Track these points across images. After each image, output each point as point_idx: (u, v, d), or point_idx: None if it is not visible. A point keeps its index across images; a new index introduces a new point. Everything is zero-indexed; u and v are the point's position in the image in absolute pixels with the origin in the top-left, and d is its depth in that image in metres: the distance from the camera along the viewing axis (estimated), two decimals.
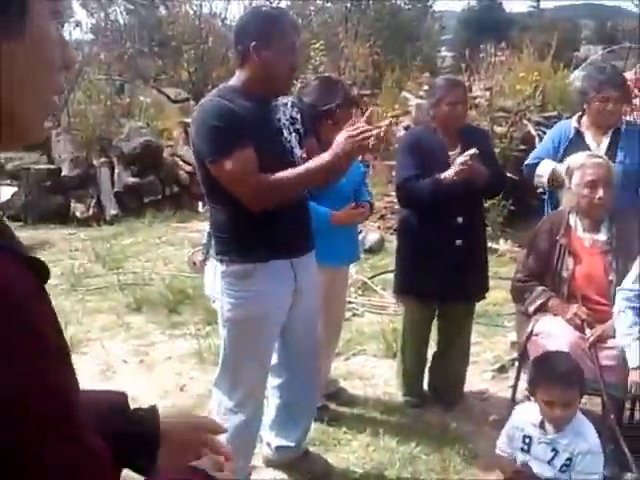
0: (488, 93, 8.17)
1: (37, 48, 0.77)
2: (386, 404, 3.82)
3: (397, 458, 3.29)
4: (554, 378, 2.59)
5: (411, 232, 3.70)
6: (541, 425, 2.63)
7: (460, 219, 3.55)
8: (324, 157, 2.52)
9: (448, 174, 3.41)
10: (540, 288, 3.39)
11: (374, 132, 2.46)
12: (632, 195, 3.67)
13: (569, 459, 2.57)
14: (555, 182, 3.73)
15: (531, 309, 3.39)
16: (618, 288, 3.17)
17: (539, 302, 3.37)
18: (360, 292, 5.55)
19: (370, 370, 4.25)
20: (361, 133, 2.46)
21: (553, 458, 2.60)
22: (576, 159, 3.41)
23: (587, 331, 3.22)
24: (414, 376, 3.85)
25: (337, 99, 3.38)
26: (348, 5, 14.40)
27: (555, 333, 3.23)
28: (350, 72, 11.06)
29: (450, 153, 3.59)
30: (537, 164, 3.91)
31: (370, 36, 12.79)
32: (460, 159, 3.39)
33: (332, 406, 3.73)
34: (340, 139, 2.49)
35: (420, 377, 3.88)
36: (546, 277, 3.42)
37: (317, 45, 10.28)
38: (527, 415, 2.70)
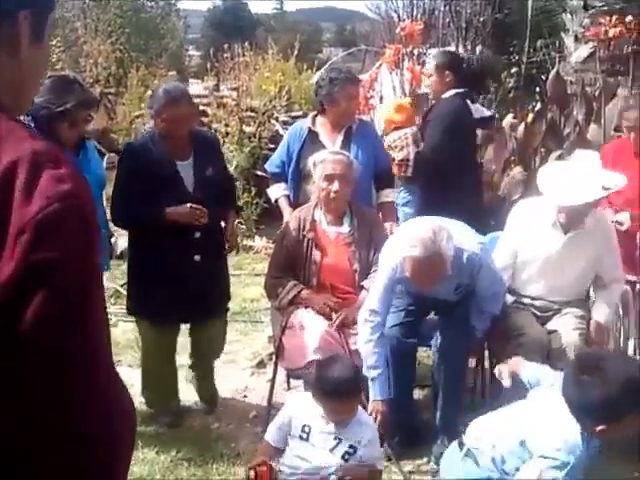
0: (235, 93, 8.28)
1: (44, 54, 1.04)
2: (143, 414, 3.63)
3: (157, 469, 3.19)
4: (333, 398, 2.58)
5: (144, 248, 3.46)
6: (324, 417, 2.62)
7: (198, 234, 3.41)
8: None
9: (178, 216, 3.30)
10: (291, 282, 3.49)
11: None
12: (366, 188, 3.90)
13: (352, 447, 2.60)
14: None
15: (284, 303, 3.48)
16: (363, 308, 3.23)
17: (291, 296, 3.47)
18: (112, 301, 5.27)
19: (126, 381, 4.01)
20: None
21: (336, 446, 2.60)
22: (320, 155, 3.54)
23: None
24: (164, 390, 3.67)
25: (72, 99, 3.19)
26: (87, 0, 13.70)
27: (307, 324, 3.35)
28: (91, 69, 10.55)
29: (179, 163, 3.42)
30: (274, 174, 4.05)
31: (112, 33, 12.29)
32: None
33: None
34: None
35: (172, 388, 3.71)
36: (296, 271, 3.53)
37: (54, 42, 9.63)
38: (306, 405, 2.66)
